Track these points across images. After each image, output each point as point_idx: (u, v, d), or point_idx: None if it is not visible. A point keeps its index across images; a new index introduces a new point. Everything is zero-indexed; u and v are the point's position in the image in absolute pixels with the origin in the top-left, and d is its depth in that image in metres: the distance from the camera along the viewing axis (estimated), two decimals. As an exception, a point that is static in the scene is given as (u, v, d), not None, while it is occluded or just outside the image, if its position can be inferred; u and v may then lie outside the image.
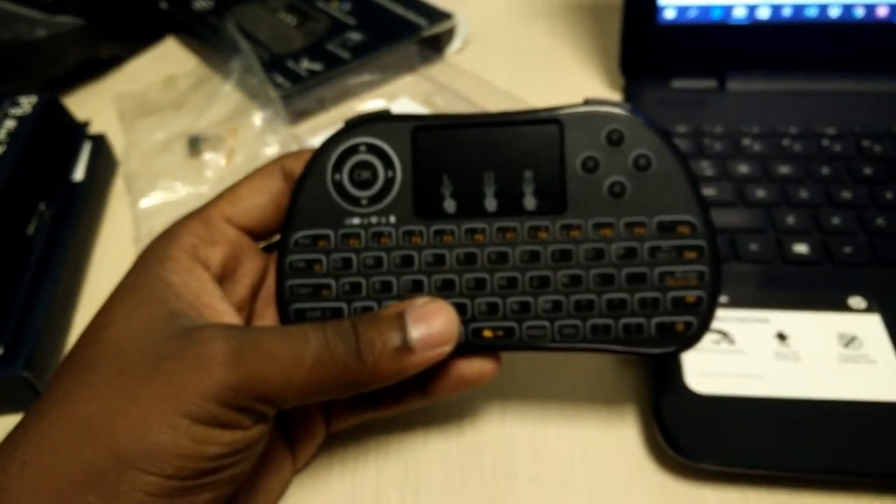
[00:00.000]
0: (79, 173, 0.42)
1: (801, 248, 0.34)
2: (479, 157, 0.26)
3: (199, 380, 0.21)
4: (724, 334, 0.31)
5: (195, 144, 0.45)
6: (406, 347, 0.23)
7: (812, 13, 0.44)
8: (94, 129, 0.46)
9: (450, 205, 0.26)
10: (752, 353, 0.30)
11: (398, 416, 0.31)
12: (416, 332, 0.23)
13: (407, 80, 0.51)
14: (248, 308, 0.28)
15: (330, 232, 0.26)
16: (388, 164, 0.26)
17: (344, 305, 0.26)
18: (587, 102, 0.26)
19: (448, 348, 0.24)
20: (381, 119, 0.26)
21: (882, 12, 0.43)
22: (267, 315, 0.28)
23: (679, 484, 0.28)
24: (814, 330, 0.31)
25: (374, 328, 0.23)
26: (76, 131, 0.44)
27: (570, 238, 0.25)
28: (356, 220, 0.26)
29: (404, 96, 0.49)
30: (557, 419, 0.31)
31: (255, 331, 0.23)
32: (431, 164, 0.26)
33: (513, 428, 0.31)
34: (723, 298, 0.32)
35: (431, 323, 0.24)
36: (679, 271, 0.25)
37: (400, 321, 0.23)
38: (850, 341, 0.30)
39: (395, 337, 0.23)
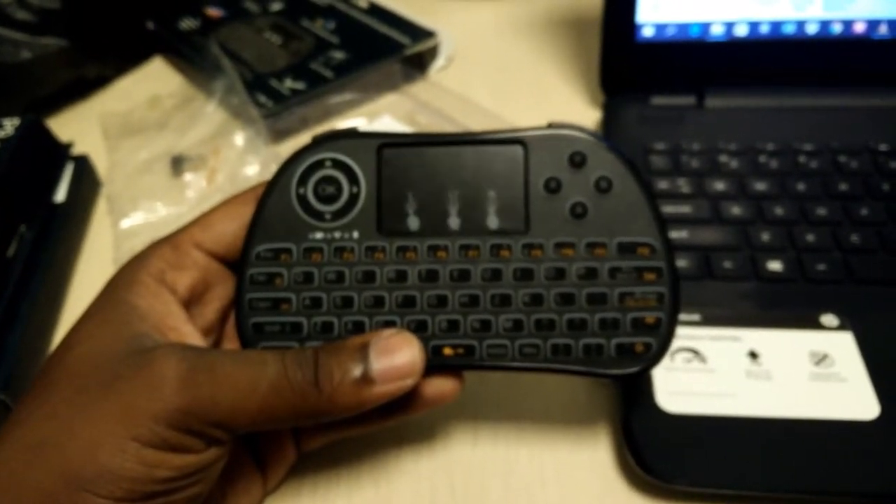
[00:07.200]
0: (60, 194, 0.42)
1: (775, 266, 0.34)
2: (443, 176, 0.26)
3: (150, 401, 0.21)
4: (696, 353, 0.31)
5: (178, 164, 0.46)
6: (366, 379, 0.22)
7: (790, 30, 0.44)
8: (79, 148, 0.46)
9: (413, 222, 0.26)
10: (724, 372, 0.30)
11: (370, 437, 0.31)
12: (378, 363, 0.23)
13: (390, 99, 0.52)
14: (216, 331, 0.28)
15: (292, 246, 0.26)
16: (353, 179, 0.26)
17: (304, 320, 0.26)
18: (551, 125, 0.26)
19: (410, 382, 0.23)
20: (347, 135, 0.27)
21: (859, 28, 0.43)
22: (236, 338, 0.28)
23: (650, 504, 0.28)
24: (786, 348, 0.31)
25: (336, 357, 0.23)
26: (59, 152, 0.44)
27: (531, 257, 0.25)
28: (319, 235, 0.26)
29: (387, 115, 0.50)
30: (530, 440, 0.31)
31: (211, 353, 0.23)
32: (396, 181, 0.26)
33: (485, 448, 0.31)
34: (695, 316, 0.32)
35: (395, 356, 0.23)
36: (639, 292, 0.25)
37: (363, 352, 0.23)
38: (821, 359, 0.30)
39: (356, 368, 0.23)
